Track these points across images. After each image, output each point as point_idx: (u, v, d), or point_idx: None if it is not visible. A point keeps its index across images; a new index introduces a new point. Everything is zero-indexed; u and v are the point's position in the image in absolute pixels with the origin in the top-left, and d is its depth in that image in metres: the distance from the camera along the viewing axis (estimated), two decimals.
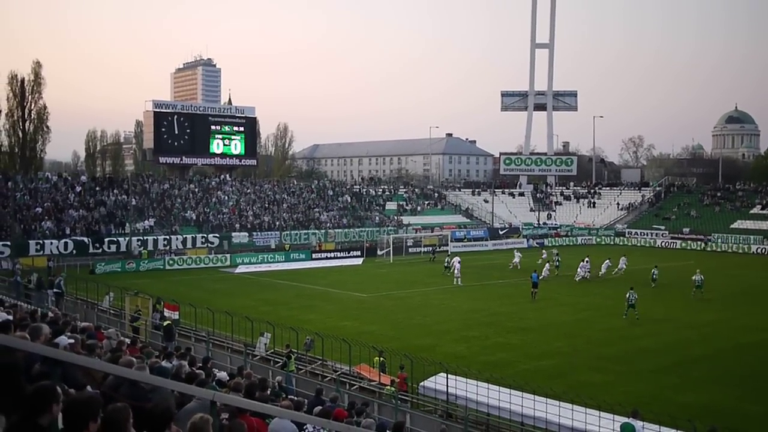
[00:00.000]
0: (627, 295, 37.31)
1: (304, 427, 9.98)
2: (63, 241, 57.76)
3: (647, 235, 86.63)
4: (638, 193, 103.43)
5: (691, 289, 44.75)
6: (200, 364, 15.58)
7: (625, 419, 16.63)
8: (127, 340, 16.50)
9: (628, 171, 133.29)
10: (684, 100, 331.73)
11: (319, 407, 13.51)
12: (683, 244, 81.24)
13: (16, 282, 38.14)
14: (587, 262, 52.65)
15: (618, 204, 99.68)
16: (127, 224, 63.39)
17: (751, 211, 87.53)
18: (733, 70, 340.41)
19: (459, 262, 51.59)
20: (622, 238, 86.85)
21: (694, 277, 45.44)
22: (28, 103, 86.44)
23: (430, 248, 70.73)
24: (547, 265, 53.56)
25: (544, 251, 63.87)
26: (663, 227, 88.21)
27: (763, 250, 75.72)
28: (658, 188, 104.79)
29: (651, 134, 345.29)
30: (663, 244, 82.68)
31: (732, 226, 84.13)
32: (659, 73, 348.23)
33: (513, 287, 48.41)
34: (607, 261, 54.17)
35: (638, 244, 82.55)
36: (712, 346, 31.21)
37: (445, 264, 55.75)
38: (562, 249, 66.86)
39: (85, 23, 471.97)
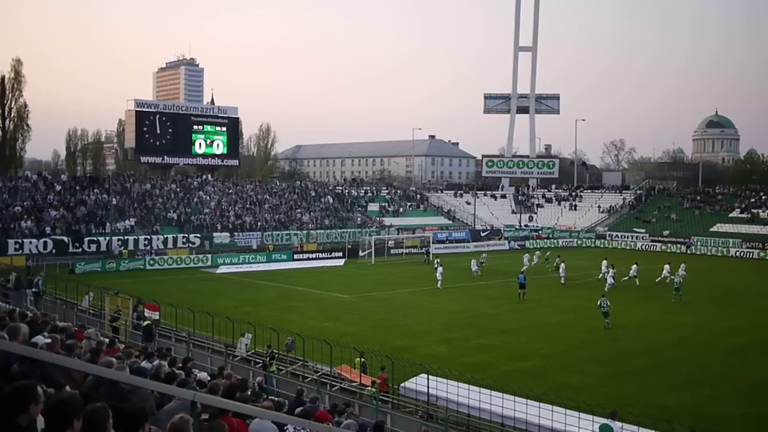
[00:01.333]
0: (599, 303, 36.16)
1: (285, 428, 9.96)
2: (42, 240, 57.29)
3: (628, 237, 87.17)
4: (619, 196, 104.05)
5: (672, 292, 44.86)
6: (180, 365, 15.52)
7: (604, 420, 16.72)
8: (107, 340, 16.41)
9: (609, 174, 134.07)
10: (665, 105, 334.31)
11: (300, 408, 13.49)
12: (663, 247, 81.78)
13: None
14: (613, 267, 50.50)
15: (599, 207, 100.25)
16: (108, 224, 62.99)
17: (731, 215, 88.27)
18: (714, 75, 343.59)
19: (441, 266, 51.43)
20: (602, 240, 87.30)
21: (673, 278, 45.95)
22: (8, 102, 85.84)
23: (424, 250, 70.72)
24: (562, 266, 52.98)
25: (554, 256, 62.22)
26: (643, 230, 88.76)
27: (742, 253, 76.41)
28: (638, 191, 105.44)
29: (632, 138, 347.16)
30: (643, 246, 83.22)
31: (711, 229, 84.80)
32: (641, 78, 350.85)
33: (495, 289, 48.54)
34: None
35: (619, 247, 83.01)
36: (692, 348, 31.40)
37: (426, 258, 56.50)
38: (544, 251, 67.02)
39: (67, 22, 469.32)
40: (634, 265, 51.44)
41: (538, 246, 77.04)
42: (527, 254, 61.14)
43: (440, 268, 50.56)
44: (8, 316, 14.56)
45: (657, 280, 50.32)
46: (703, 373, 27.26)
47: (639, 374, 26.82)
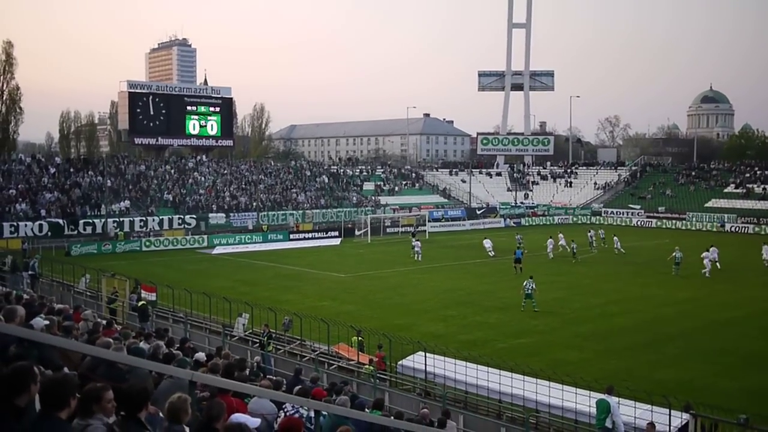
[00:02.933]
0: (524, 284, 34.50)
1: (283, 406, 9.99)
2: (38, 223, 57.15)
3: (623, 214, 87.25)
4: (614, 172, 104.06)
5: (671, 267, 45.40)
6: (178, 345, 15.56)
7: (601, 395, 16.81)
8: (104, 322, 16.43)
9: (604, 150, 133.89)
10: (660, 80, 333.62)
11: (299, 387, 13.53)
12: (659, 223, 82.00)
13: None
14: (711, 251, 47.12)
15: (594, 183, 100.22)
16: (103, 206, 62.85)
17: (725, 190, 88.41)
18: (708, 50, 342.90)
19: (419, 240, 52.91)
20: (598, 217, 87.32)
21: (674, 254, 46.01)
22: (0, 84, 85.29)
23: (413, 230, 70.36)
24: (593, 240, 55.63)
25: (591, 230, 61.86)
26: (639, 206, 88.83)
27: (738, 228, 76.62)
28: (634, 168, 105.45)
29: (627, 114, 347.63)
30: (639, 223, 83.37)
31: (707, 204, 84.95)
32: (635, 54, 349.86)
33: (490, 266, 48.63)
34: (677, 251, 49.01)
35: (614, 223, 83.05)
36: (688, 324, 31.54)
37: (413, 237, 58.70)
38: (538, 228, 67.00)
39: (57, 3, 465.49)
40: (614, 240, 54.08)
41: (534, 224, 77.07)
42: (551, 239, 54.63)
43: (418, 242, 52.11)
44: (5, 299, 14.56)
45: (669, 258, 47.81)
46: (699, 347, 27.37)
47: (635, 349, 26.94)
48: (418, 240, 54.79)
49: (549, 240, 53.26)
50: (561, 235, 55.66)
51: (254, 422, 7.33)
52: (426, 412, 14.30)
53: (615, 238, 56.70)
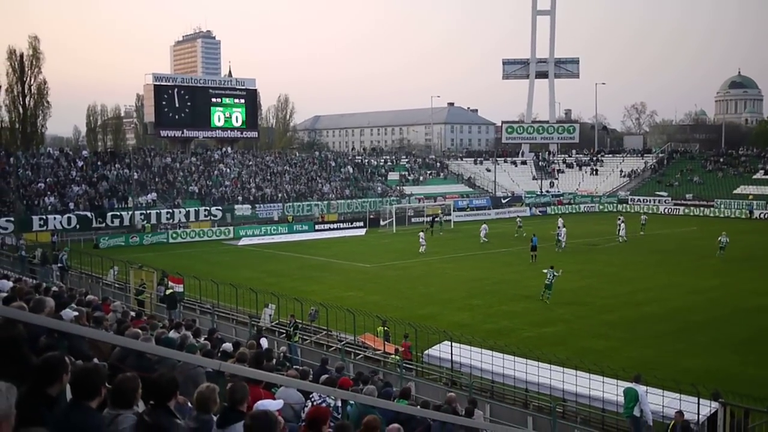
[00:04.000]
0: (546, 273, 33.72)
1: (310, 396, 10.04)
2: (66, 216, 57.81)
3: (650, 201, 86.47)
4: (641, 159, 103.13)
5: (717, 250, 46.00)
6: (206, 336, 15.69)
7: (628, 384, 16.74)
8: (133, 313, 16.59)
9: (630, 138, 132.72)
10: (687, 66, 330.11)
11: (325, 376, 13.59)
12: (686, 210, 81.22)
13: (22, 257, 38.34)
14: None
15: (621, 171, 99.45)
16: (130, 198, 63.40)
17: (754, 176, 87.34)
18: (736, 35, 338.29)
19: (423, 236, 52.28)
20: (624, 205, 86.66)
21: (720, 239, 46.53)
22: (28, 78, 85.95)
23: (438, 219, 70.04)
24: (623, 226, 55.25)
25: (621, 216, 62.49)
26: (666, 194, 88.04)
27: (766, 215, 75.69)
28: (660, 155, 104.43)
29: (653, 101, 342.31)
30: (666, 210, 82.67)
31: (735, 191, 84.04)
32: (662, 40, 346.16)
33: (516, 255, 48.46)
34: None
35: (641, 211, 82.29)
36: (716, 312, 31.26)
37: (434, 224, 61.06)
38: (565, 216, 66.58)
39: None
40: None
41: (560, 212, 76.68)
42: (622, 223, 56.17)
43: (422, 233, 52.17)
44: (35, 291, 14.75)
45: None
46: (727, 335, 27.14)
47: (662, 338, 26.77)
48: (423, 231, 54.24)
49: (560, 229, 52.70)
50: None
51: (277, 404, 7.37)
52: (453, 396, 14.30)
53: (621, 223, 55.37)
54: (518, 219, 64.02)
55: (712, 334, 27.40)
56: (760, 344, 25.88)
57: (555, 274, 33.41)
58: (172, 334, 13.14)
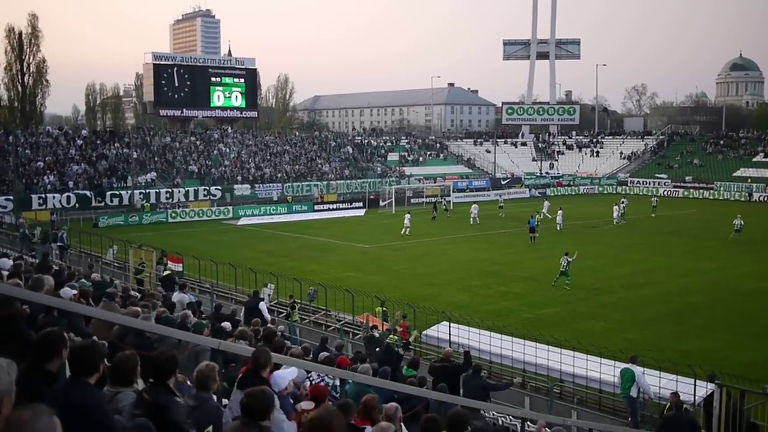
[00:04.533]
0: (561, 261, 32.87)
1: (309, 375, 10.09)
2: (65, 195, 57.77)
3: (650, 183, 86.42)
4: (641, 141, 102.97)
5: (731, 233, 46.30)
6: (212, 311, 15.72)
7: (625, 365, 16.82)
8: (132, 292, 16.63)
9: (630, 120, 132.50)
10: (688, 48, 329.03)
11: (325, 354, 13.66)
12: (685, 193, 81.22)
13: (24, 235, 38.37)
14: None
15: (621, 153, 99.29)
16: (129, 177, 63.36)
17: (754, 159, 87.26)
18: (737, 16, 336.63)
19: (409, 218, 51.43)
20: (624, 187, 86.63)
21: (734, 221, 46.77)
22: (27, 57, 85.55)
23: (444, 202, 69.85)
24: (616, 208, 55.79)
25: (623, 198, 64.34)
26: (666, 176, 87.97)
27: (765, 198, 75.71)
28: (661, 137, 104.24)
29: (654, 82, 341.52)
30: (666, 192, 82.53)
31: (735, 174, 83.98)
32: (663, 21, 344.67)
33: (514, 237, 48.48)
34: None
35: (641, 193, 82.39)
36: (713, 294, 31.37)
37: (443, 208, 61.61)
38: (564, 198, 66.66)
39: None
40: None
41: (560, 194, 76.71)
42: (616, 205, 56.76)
43: (408, 215, 51.73)
44: (35, 269, 14.78)
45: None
46: (724, 318, 27.26)
47: (660, 320, 26.88)
48: (409, 213, 53.58)
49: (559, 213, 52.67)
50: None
51: (291, 373, 7.30)
52: (449, 351, 14.42)
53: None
54: (500, 198, 65.51)
55: (709, 316, 27.52)
56: (757, 326, 25.99)
57: (569, 260, 32.55)
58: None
